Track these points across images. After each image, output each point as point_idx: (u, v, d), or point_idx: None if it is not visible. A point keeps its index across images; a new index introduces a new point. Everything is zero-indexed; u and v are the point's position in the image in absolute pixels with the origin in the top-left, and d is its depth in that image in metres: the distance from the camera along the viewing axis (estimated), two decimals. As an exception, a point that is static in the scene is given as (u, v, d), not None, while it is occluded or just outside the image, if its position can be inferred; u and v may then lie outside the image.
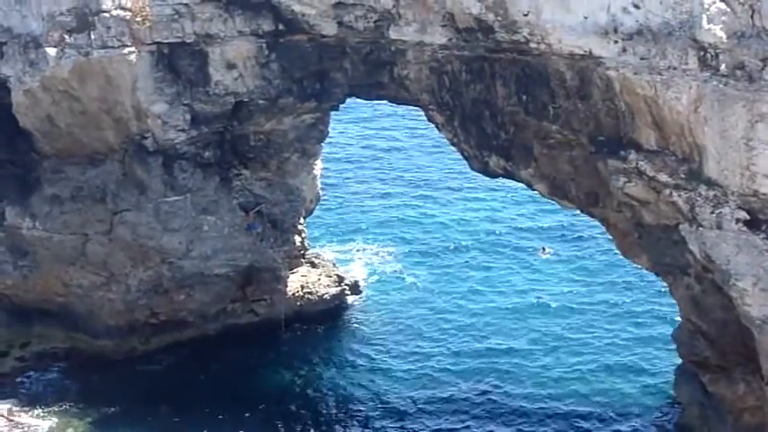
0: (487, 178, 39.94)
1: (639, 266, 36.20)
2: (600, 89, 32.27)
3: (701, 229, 30.31)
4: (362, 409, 39.18)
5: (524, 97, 34.77)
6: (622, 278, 47.99)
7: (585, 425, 37.72)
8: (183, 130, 40.11)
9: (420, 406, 39.18)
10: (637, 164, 31.73)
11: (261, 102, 40.31)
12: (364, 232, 53.79)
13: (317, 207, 48.36)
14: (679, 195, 30.70)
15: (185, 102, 39.80)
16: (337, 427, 38.43)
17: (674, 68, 29.97)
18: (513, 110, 35.36)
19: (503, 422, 38.21)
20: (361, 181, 60.97)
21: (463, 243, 52.58)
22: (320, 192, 47.83)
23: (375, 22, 37.47)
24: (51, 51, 38.37)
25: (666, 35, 30.18)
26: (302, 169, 44.25)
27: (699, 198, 30.24)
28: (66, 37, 38.40)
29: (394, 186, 60.35)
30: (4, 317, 43.00)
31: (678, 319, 35.90)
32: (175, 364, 41.85)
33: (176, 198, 40.92)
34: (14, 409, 38.77)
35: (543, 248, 51.36)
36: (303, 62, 39.45)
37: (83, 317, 42.31)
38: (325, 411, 39.29)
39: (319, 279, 46.18)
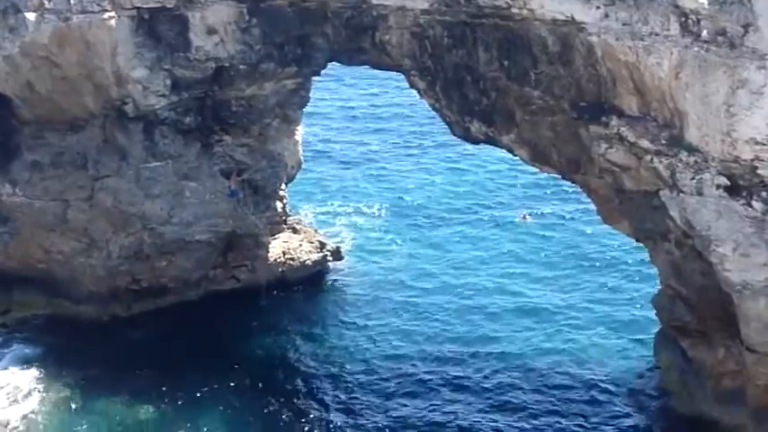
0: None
1: (621, 232, 36.21)
2: (582, 55, 32.18)
3: (681, 194, 30.33)
4: (343, 374, 39.15)
5: (506, 63, 34.65)
6: (603, 242, 48.04)
7: (560, 389, 37.78)
8: (163, 96, 39.89)
9: (400, 370, 39.12)
10: (618, 130, 31.69)
11: (242, 67, 40.08)
12: (347, 197, 53.75)
13: (299, 171, 48.16)
14: (660, 161, 30.69)
15: (166, 67, 39.57)
16: (318, 390, 38.40)
17: (656, 34, 29.86)
18: (494, 75, 35.25)
19: (482, 387, 38.21)
20: (343, 143, 60.95)
21: (448, 206, 52.60)
22: (302, 157, 47.70)
23: (357, -14, 37.23)
24: (31, 17, 37.97)
25: (648, 1, 30.00)
26: (283, 135, 44.09)
27: (679, 164, 30.21)
28: (46, 2, 38.00)
29: (376, 149, 60.33)
30: (-17, 284, 42.83)
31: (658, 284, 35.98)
32: (157, 329, 41.69)
33: (157, 164, 40.74)
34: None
35: (524, 215, 51.38)
36: (284, 27, 39.20)
37: (64, 283, 42.19)
38: (305, 376, 39.25)
39: (301, 245, 46.10)
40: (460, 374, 38.80)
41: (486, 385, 38.08)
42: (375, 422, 36.22)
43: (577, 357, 39.47)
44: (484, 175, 56.61)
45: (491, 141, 37.29)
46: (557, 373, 38.63)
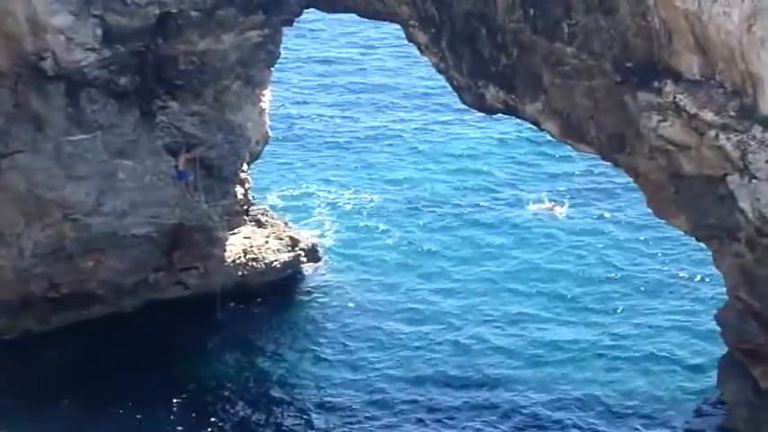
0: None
1: (677, 229, 36.20)
2: (629, 1, 32.21)
3: (754, 181, 30.32)
4: (313, 409, 39.11)
5: (532, 11, 34.65)
6: (655, 243, 48.22)
7: (604, 429, 37.82)
8: (92, 50, 39.79)
9: (382, 406, 38.99)
10: (674, 97, 31.63)
11: (193, 13, 40.17)
12: (326, 182, 53.83)
13: (266, 149, 48.14)
14: (727, 138, 30.65)
15: (95, 13, 39.49)
16: (279, 427, 38.42)
17: (723, -25, 29.89)
18: (517, 27, 35.25)
19: (491, 424, 38.25)
20: (322, 114, 60.96)
21: (455, 198, 52.71)
22: (269, 130, 47.68)
23: None
24: None
25: (714, -70, 30.08)
26: (246, 101, 44.16)
27: (752, 142, 30.19)
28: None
29: (365, 121, 60.36)
30: None
31: (724, 296, 35.96)
32: (81, 348, 41.65)
33: (83, 137, 40.63)
34: None
35: (553, 205, 51.62)
36: (248, -38, 39.45)
37: (-38, 289, 42.21)
38: (266, 410, 39.19)
39: (267, 242, 46.12)
40: (457, 415, 38.60)
41: (491, 424, 38.07)
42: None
43: (620, 391, 39.48)
44: (502, 158, 56.70)
45: (511, 112, 37.28)
46: (595, 408, 38.66)
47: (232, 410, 39.24)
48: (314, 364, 41.58)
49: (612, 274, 46.66)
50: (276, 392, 40.15)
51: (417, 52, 40.18)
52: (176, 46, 41.09)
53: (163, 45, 40.97)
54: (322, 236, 49.22)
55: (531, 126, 38.18)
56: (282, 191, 52.77)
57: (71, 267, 42.33)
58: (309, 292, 45.89)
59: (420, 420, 38.50)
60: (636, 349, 41.79)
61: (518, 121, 38.60)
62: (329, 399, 39.50)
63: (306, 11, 41.95)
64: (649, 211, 36.96)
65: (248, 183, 46.85)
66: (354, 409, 38.88)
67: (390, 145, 58.14)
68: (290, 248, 46.55)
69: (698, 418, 38.23)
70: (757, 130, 30.11)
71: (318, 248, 47.67)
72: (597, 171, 53.16)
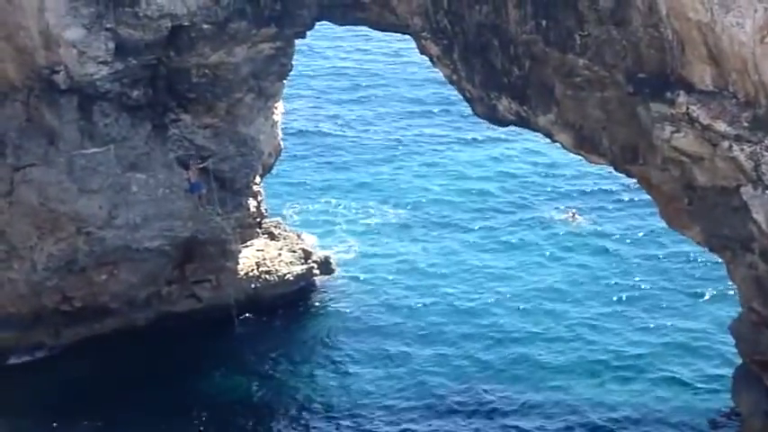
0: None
1: (690, 239, 36.19)
2: (641, 13, 32.14)
3: (768, 192, 30.31)
4: (325, 423, 39.10)
5: (544, 22, 34.62)
6: (670, 254, 48.21)
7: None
8: (104, 63, 39.94)
9: (391, 421, 38.96)
10: (687, 108, 31.58)
11: (205, 26, 40.20)
12: (340, 192, 53.81)
13: (278, 162, 48.21)
14: (741, 149, 30.58)
15: (108, 26, 39.61)
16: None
17: (736, -14, 29.86)
18: (529, 38, 35.24)
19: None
20: (337, 125, 60.99)
21: (470, 204, 52.77)
22: (282, 143, 47.73)
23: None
24: (-66, -39, 38.19)
25: (726, -58, 30.05)
26: (258, 114, 44.21)
27: (766, 153, 30.10)
28: (-46, -58, 38.23)
29: (381, 132, 60.34)
30: None
31: (739, 308, 35.93)
32: (95, 363, 41.75)
33: (96, 150, 40.76)
34: None
35: (573, 213, 51.70)
36: (260, -25, 39.53)
37: (-25, 302, 42.30)
38: (278, 424, 39.28)
39: (280, 254, 46.26)
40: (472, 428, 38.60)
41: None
42: None
43: (632, 401, 39.49)
44: (517, 162, 56.77)
45: (523, 123, 37.27)
46: (604, 419, 38.63)
47: (246, 424, 39.27)
48: (326, 378, 41.58)
49: (626, 290, 46.65)
50: (288, 406, 40.14)
51: (430, 64, 40.28)
52: (188, 59, 41.18)
53: (175, 58, 41.08)
54: (337, 249, 49.20)
55: (543, 139, 38.16)
56: (296, 205, 52.77)
57: (84, 280, 42.44)
58: (322, 306, 45.94)
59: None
60: (651, 361, 41.81)
61: (530, 134, 38.47)
62: (340, 412, 39.51)
63: (318, 23, 42.03)
64: (663, 224, 37.06)
65: (261, 195, 46.94)
66: (365, 423, 38.92)
67: (406, 160, 58.11)
68: (302, 261, 46.64)
69: (713, 430, 38.14)
70: (771, 141, 30.14)
71: (331, 261, 47.71)
72: (610, 183, 53.13)
